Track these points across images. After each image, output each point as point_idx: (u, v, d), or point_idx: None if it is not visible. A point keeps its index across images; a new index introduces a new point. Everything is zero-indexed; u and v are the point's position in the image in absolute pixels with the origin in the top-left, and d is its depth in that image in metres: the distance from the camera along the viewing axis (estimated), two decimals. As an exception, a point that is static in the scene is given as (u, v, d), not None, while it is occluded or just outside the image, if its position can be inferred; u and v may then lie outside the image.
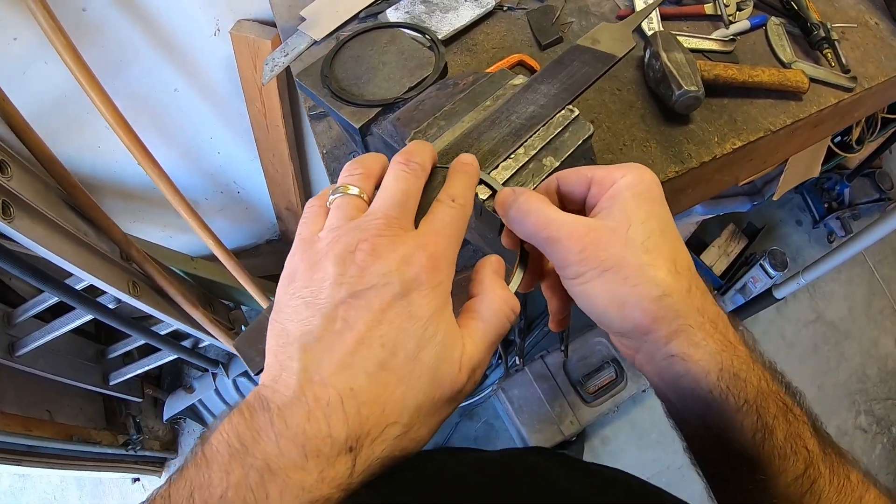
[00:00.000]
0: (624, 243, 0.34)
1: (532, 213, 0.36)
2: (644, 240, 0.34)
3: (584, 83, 0.49)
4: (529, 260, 0.39)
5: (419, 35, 0.60)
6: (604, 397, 1.64)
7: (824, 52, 0.94)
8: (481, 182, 0.40)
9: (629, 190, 0.35)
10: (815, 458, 0.34)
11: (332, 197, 0.34)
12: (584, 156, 0.46)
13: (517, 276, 0.38)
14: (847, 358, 2.08)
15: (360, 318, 0.29)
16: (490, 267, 0.35)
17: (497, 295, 0.34)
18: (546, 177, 0.43)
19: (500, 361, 1.76)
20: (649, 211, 0.35)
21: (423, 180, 0.35)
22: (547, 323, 1.93)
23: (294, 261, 0.32)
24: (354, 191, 0.33)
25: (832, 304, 2.16)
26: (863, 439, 1.95)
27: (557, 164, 0.44)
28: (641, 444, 1.86)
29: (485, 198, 0.40)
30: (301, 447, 0.27)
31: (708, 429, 0.34)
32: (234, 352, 0.63)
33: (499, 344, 0.34)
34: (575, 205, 0.39)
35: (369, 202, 0.33)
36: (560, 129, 0.45)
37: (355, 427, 0.27)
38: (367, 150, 0.57)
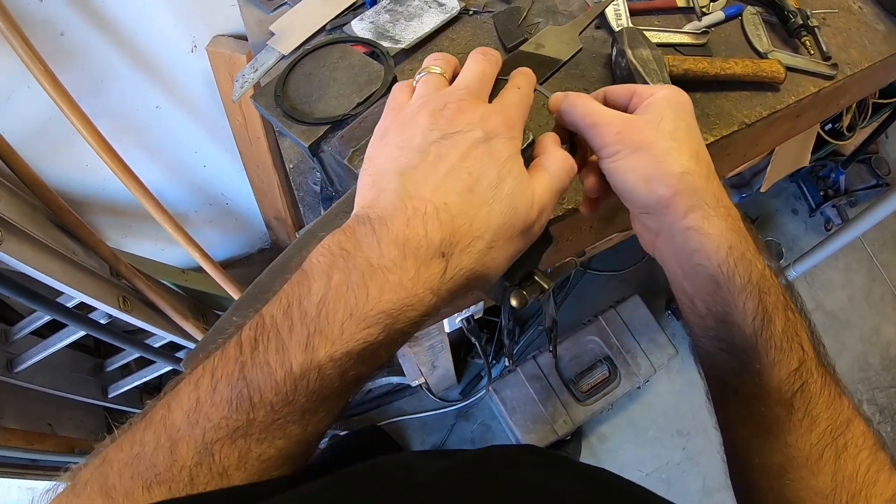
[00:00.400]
0: (655, 130, 0.39)
1: (579, 105, 0.42)
2: (672, 130, 0.39)
3: (525, 92, 0.50)
4: (577, 151, 0.46)
5: (372, 48, 0.61)
6: (597, 396, 1.64)
7: (803, 39, 0.93)
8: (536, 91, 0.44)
9: (665, 99, 0.41)
10: (808, 359, 0.37)
11: (418, 76, 0.39)
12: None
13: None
14: (848, 347, 2.06)
15: (450, 152, 0.33)
16: (552, 137, 0.41)
17: (559, 154, 0.39)
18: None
19: (492, 362, 1.77)
20: (679, 115, 0.41)
21: (497, 68, 0.41)
22: (537, 323, 1.93)
23: (385, 123, 0.37)
24: (437, 70, 0.39)
25: (831, 293, 2.14)
26: (864, 412, 1.93)
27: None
28: (639, 440, 1.86)
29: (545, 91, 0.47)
30: (401, 247, 0.30)
31: (714, 314, 0.39)
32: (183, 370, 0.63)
33: (560, 196, 0.39)
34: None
35: (450, 82, 0.39)
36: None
37: (448, 234, 0.31)
38: (322, 166, 0.58)
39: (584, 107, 0.42)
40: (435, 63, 0.40)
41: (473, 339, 1.34)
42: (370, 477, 0.35)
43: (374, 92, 0.55)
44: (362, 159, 0.44)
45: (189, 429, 0.28)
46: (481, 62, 0.39)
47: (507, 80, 0.42)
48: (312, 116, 0.54)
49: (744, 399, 0.39)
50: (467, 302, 1.00)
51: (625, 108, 0.44)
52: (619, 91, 0.45)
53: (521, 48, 0.55)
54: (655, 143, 0.39)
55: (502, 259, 0.34)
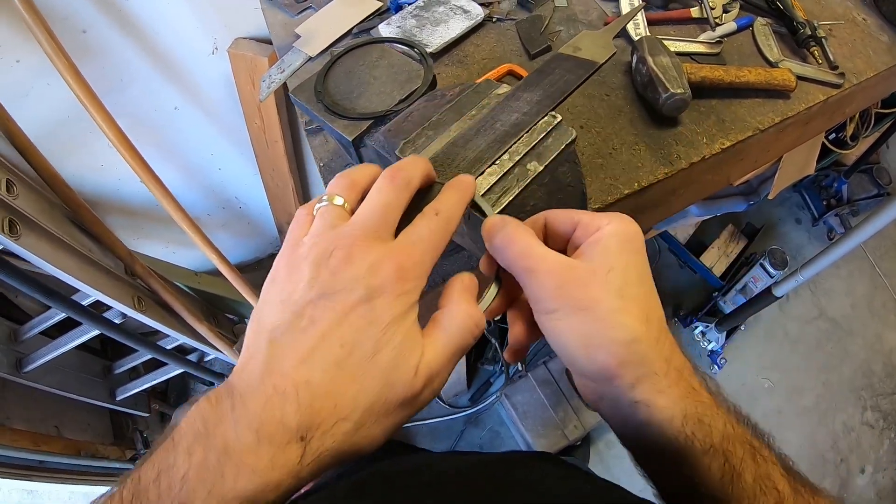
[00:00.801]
0: (601, 286, 0.34)
1: (516, 243, 0.37)
2: (621, 286, 0.35)
3: (565, 90, 0.51)
4: (503, 287, 0.40)
5: (409, 49, 0.62)
6: (607, 401, 1.64)
7: (811, 49, 0.95)
8: (475, 204, 0.41)
9: (614, 237, 0.36)
10: (784, 499, 0.34)
11: (317, 206, 0.35)
12: (567, 159, 0.48)
13: (489, 296, 0.39)
14: (851, 354, 2.08)
15: (324, 317, 0.30)
16: (461, 283, 0.37)
17: (462, 309, 0.35)
18: (530, 182, 0.44)
19: (502, 369, 1.77)
20: (629, 260, 0.36)
21: (408, 194, 0.36)
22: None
23: (279, 263, 0.34)
24: (339, 201, 0.35)
25: (834, 301, 2.16)
26: (870, 435, 1.95)
27: (541, 167, 0.45)
28: (646, 446, 1.85)
29: (482, 201, 0.42)
30: (255, 432, 0.28)
31: (675, 475, 0.35)
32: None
33: (461, 357, 0.35)
34: (559, 244, 0.40)
35: (352, 212, 0.35)
36: (543, 135, 0.47)
37: (307, 417, 0.29)
38: (360, 161, 0.59)
39: (520, 246, 0.36)
40: (338, 189, 0.36)
41: (493, 340, 1.34)
42: (395, 473, 0.35)
43: (415, 90, 0.56)
44: (414, 150, 0.46)
45: None
46: (385, 191, 0.35)
47: (442, 184, 0.38)
48: (355, 112, 0.55)
49: None
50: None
51: (567, 238, 0.39)
52: (560, 217, 0.39)
53: (560, 50, 0.57)
54: (601, 303, 0.34)
55: (379, 434, 0.31)
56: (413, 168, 0.37)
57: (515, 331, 0.42)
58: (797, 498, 0.35)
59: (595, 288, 0.34)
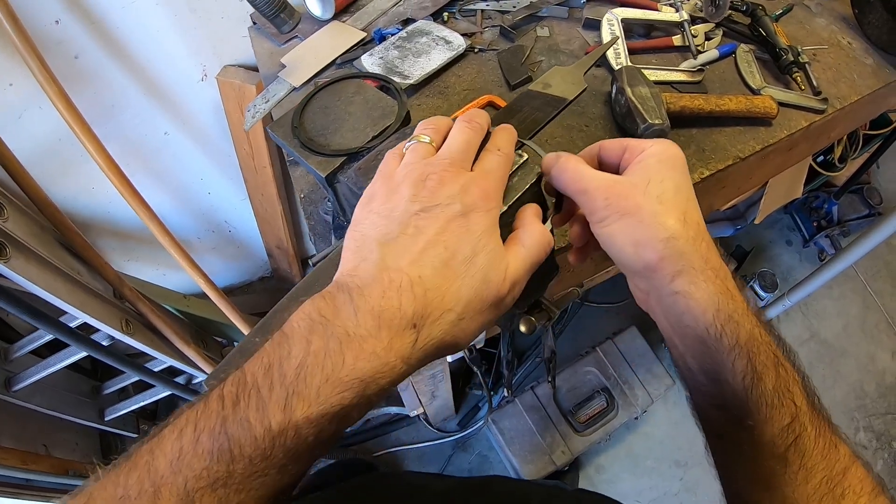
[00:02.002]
0: (642, 195, 0.40)
1: (569, 169, 0.43)
2: (659, 193, 0.40)
3: (533, 128, 0.52)
4: (564, 205, 0.48)
5: (385, 84, 0.63)
6: (595, 426, 1.64)
7: (794, 75, 0.97)
8: (523, 146, 0.46)
9: (654, 156, 0.42)
10: (801, 414, 0.37)
11: (407, 144, 0.41)
12: (533, 199, 0.48)
13: (552, 213, 0.47)
14: (844, 375, 2.07)
15: (429, 226, 0.35)
16: (532, 209, 0.42)
17: (536, 228, 0.40)
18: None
19: (491, 394, 1.76)
20: (668, 174, 0.41)
21: (482, 134, 0.42)
22: (536, 354, 1.93)
23: (374, 188, 0.39)
24: (426, 139, 0.41)
25: (826, 322, 2.16)
26: (864, 455, 1.93)
27: (505, 207, 0.46)
28: (637, 471, 1.84)
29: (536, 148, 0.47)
30: (377, 318, 0.32)
31: (705, 372, 0.39)
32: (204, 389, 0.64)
33: (535, 269, 0.40)
34: (611, 168, 0.45)
35: (437, 149, 0.40)
36: (509, 174, 0.48)
37: (421, 306, 0.33)
38: (336, 196, 0.60)
39: (573, 171, 0.43)
40: (424, 131, 0.42)
41: (475, 368, 1.34)
42: (376, 487, 0.36)
43: (388, 126, 0.57)
44: None
45: (172, 476, 0.29)
46: (465, 131, 0.41)
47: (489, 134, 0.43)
48: (329, 148, 0.56)
49: (739, 453, 0.39)
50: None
51: (618, 164, 0.45)
52: (611, 146, 0.45)
53: (529, 87, 0.58)
54: (643, 208, 0.39)
55: (472, 329, 0.36)
56: (482, 116, 0.43)
57: (575, 231, 0.48)
58: (812, 417, 0.38)
59: (637, 196, 0.40)
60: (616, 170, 0.45)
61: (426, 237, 0.34)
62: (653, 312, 0.44)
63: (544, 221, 0.44)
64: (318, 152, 0.56)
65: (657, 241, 0.39)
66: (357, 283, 0.33)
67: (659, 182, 0.40)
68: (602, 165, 0.46)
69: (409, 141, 0.41)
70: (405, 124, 0.59)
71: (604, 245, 0.43)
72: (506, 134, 0.44)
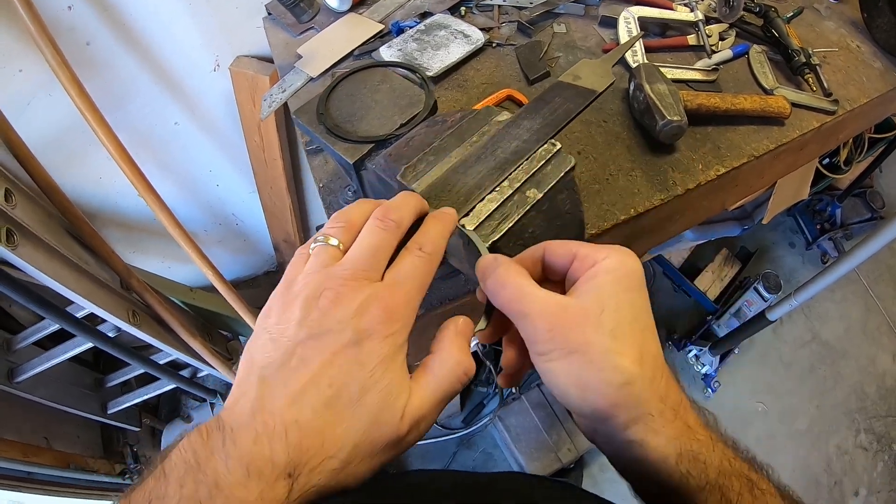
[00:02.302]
0: (594, 327, 0.34)
1: (508, 286, 0.37)
2: (613, 327, 0.34)
3: (565, 118, 0.52)
4: (497, 317, 0.41)
5: (410, 73, 0.63)
6: (601, 424, 1.63)
7: (806, 76, 0.97)
8: (470, 241, 0.42)
9: (609, 274, 0.36)
10: None
11: (313, 245, 0.36)
12: (566, 187, 0.48)
13: (479, 326, 0.40)
14: (845, 377, 2.08)
15: (314, 358, 0.31)
16: (454, 328, 0.37)
17: (452, 356, 0.36)
18: (529, 209, 0.45)
19: (496, 391, 1.76)
20: (624, 298, 0.36)
21: (398, 234, 0.37)
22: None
23: (273, 298, 0.35)
24: (334, 241, 0.36)
25: (828, 324, 2.17)
26: (864, 457, 1.94)
27: (541, 195, 0.46)
28: (640, 469, 1.84)
29: (472, 228, 0.42)
30: (245, 467, 0.29)
31: None
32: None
33: (449, 402, 0.36)
34: (557, 276, 0.40)
35: (345, 252, 0.36)
36: (543, 163, 0.48)
37: (295, 455, 0.30)
38: (361, 184, 0.59)
39: (513, 289, 0.37)
40: (333, 231, 0.36)
41: (488, 363, 1.34)
42: (376, 489, 0.35)
43: (416, 114, 0.57)
44: (415, 175, 0.46)
45: None
46: (375, 232, 0.36)
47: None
48: (356, 135, 0.56)
49: None
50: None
51: (564, 271, 0.39)
52: (558, 250, 0.39)
53: (560, 78, 0.58)
54: (593, 346, 0.34)
55: (363, 473, 0.32)
56: (405, 208, 0.38)
57: (508, 356, 0.42)
58: None
59: (588, 329, 0.34)
60: (561, 279, 0.40)
61: (309, 371, 0.31)
62: (602, 450, 0.39)
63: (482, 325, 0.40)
64: (345, 138, 0.56)
65: (609, 386, 0.34)
66: (232, 423, 0.31)
67: (614, 310, 0.35)
68: (546, 271, 0.41)
69: (315, 241, 0.36)
70: (433, 113, 0.59)
71: (545, 381, 0.37)
72: (437, 226, 0.39)
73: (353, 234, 0.37)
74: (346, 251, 0.36)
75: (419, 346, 0.37)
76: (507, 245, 0.44)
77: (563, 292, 0.38)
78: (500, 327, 0.42)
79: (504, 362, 0.43)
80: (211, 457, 0.30)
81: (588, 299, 0.35)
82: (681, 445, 0.34)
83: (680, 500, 0.34)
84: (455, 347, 0.36)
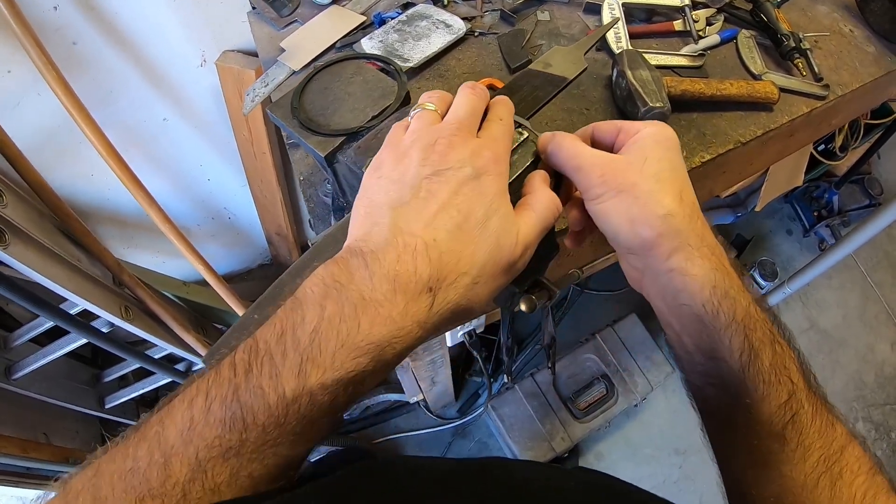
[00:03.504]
0: (638, 172, 0.39)
1: (565, 147, 0.42)
2: (656, 171, 0.39)
3: (534, 106, 0.52)
4: (561, 190, 0.46)
5: (384, 65, 0.63)
6: (595, 413, 1.65)
7: (795, 61, 0.96)
8: (520, 126, 0.46)
9: (650, 136, 0.41)
10: (798, 391, 0.37)
11: (413, 112, 0.41)
12: (534, 176, 0.48)
13: None
14: (843, 365, 2.08)
15: (441, 189, 0.35)
16: (541, 176, 0.42)
17: (546, 193, 0.40)
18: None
19: (490, 381, 1.77)
20: (663, 154, 0.41)
21: (486, 101, 0.42)
22: (536, 341, 1.94)
23: (381, 155, 0.39)
24: (431, 106, 0.41)
25: (825, 312, 2.17)
26: (860, 435, 1.94)
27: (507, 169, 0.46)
28: (636, 458, 1.86)
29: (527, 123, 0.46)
30: (392, 282, 0.31)
31: (702, 350, 0.39)
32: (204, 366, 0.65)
33: (545, 234, 0.40)
34: (605, 150, 0.44)
35: (442, 117, 0.40)
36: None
37: (436, 270, 0.32)
38: (335, 177, 0.60)
39: (569, 149, 0.42)
40: (429, 100, 0.42)
41: (475, 353, 1.34)
42: (372, 473, 0.36)
43: (388, 106, 0.57)
44: None
45: (183, 446, 0.29)
46: (470, 97, 0.41)
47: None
48: (329, 128, 0.56)
49: (736, 432, 0.39)
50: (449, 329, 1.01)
51: (612, 145, 0.44)
52: (605, 127, 0.45)
53: (530, 66, 0.58)
54: (639, 185, 0.39)
55: (486, 294, 0.36)
56: (483, 86, 0.44)
57: (573, 215, 0.47)
58: (809, 395, 0.38)
59: (633, 174, 0.39)
60: (610, 151, 0.44)
61: (439, 200, 0.34)
62: (647, 292, 0.44)
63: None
64: (317, 132, 0.56)
65: (654, 217, 0.38)
66: (371, 247, 0.33)
67: (655, 161, 0.40)
68: (596, 146, 0.45)
69: (414, 109, 0.41)
70: (405, 104, 0.59)
71: (599, 223, 0.42)
72: (504, 106, 0.44)
73: (446, 104, 0.42)
74: (442, 116, 0.40)
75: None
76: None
77: None
78: (563, 196, 0.46)
79: (569, 221, 0.48)
80: (353, 278, 0.32)
81: (633, 154, 0.41)
82: (715, 279, 0.38)
83: (709, 338, 0.38)
84: (546, 188, 0.41)
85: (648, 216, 0.38)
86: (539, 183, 0.41)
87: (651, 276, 0.41)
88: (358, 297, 0.31)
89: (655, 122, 0.43)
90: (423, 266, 0.32)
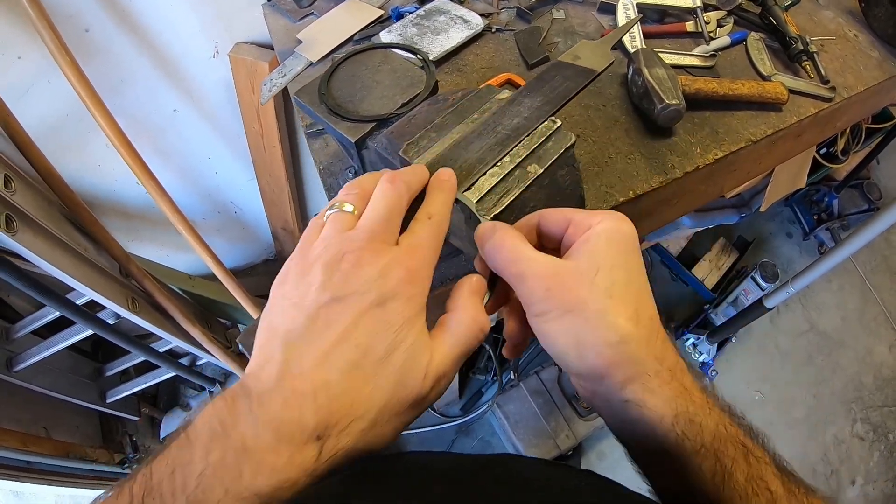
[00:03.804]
0: (588, 287, 0.35)
1: (506, 248, 0.38)
2: (608, 286, 0.35)
3: (565, 96, 0.52)
4: (498, 287, 0.41)
5: (411, 55, 0.63)
6: (599, 411, 1.65)
7: (803, 64, 0.98)
8: (471, 216, 0.43)
9: (603, 236, 0.36)
10: (778, 499, 0.34)
11: (328, 213, 0.36)
12: (566, 163, 0.49)
13: (485, 298, 0.40)
14: (842, 367, 2.10)
15: (339, 319, 0.31)
16: (469, 286, 0.38)
17: (469, 314, 0.36)
18: (530, 184, 0.45)
19: (494, 378, 1.77)
20: (619, 260, 0.36)
21: (407, 198, 0.37)
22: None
23: (289, 265, 0.35)
24: (348, 208, 0.36)
25: (825, 314, 2.19)
26: (860, 447, 1.96)
27: (541, 170, 0.46)
28: (638, 457, 1.86)
29: (474, 201, 0.43)
30: (275, 431, 0.29)
31: (668, 472, 0.35)
32: (242, 349, 0.65)
33: (465, 359, 0.36)
34: (553, 243, 0.40)
35: (360, 219, 0.36)
36: (543, 139, 0.48)
37: (324, 417, 0.30)
38: (362, 163, 0.60)
39: (510, 251, 0.37)
40: (347, 197, 0.37)
41: (487, 346, 1.34)
42: (377, 470, 0.35)
43: (418, 94, 0.57)
44: (417, 151, 0.47)
45: None
46: (387, 194, 0.36)
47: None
48: (358, 114, 0.56)
49: None
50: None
51: (559, 237, 0.40)
52: (554, 217, 0.40)
53: (560, 58, 0.58)
54: (588, 304, 0.34)
55: (389, 434, 0.33)
56: (411, 174, 0.39)
57: (510, 326, 0.43)
58: (790, 498, 0.35)
59: (583, 289, 0.35)
60: (557, 246, 0.40)
61: (335, 333, 0.31)
62: (600, 413, 0.39)
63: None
64: (346, 118, 0.56)
65: (605, 345, 0.34)
66: (259, 388, 0.31)
67: (608, 270, 0.35)
68: (542, 239, 0.41)
69: (331, 209, 0.36)
70: (433, 93, 0.59)
71: (543, 343, 0.37)
72: (439, 196, 0.39)
73: (367, 200, 0.37)
74: (360, 217, 0.36)
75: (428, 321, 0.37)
76: (509, 220, 0.44)
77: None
78: (501, 298, 0.43)
79: (506, 333, 0.43)
80: (237, 422, 0.30)
81: (583, 261, 0.36)
82: (677, 407, 0.34)
83: (675, 465, 0.34)
84: (470, 305, 0.37)
85: (598, 343, 0.34)
86: (464, 298, 0.37)
87: (602, 400, 0.37)
88: (240, 444, 0.29)
89: (610, 214, 0.38)
90: (310, 413, 0.29)
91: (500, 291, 0.42)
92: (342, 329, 0.31)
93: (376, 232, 0.34)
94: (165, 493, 0.29)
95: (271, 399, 0.30)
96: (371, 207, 0.36)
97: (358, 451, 0.31)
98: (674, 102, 0.81)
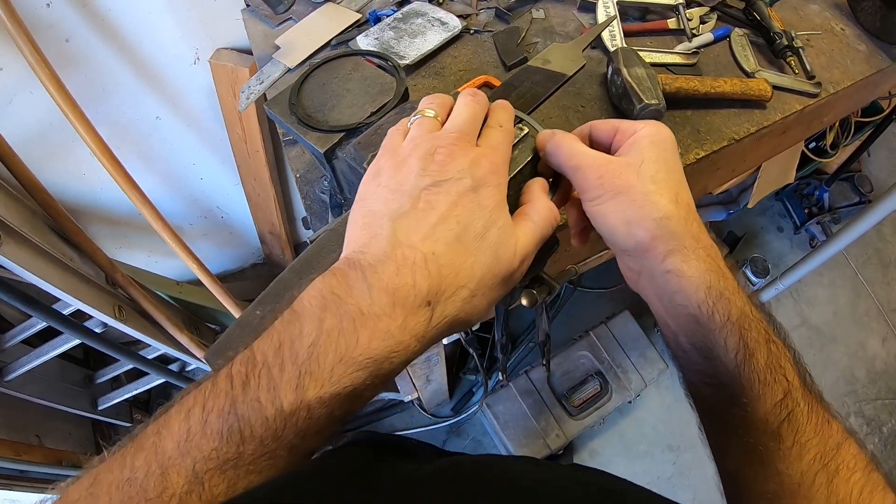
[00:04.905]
0: (635, 174, 0.40)
1: (563, 146, 0.42)
2: (653, 174, 0.40)
3: (533, 102, 0.52)
4: (560, 189, 0.47)
5: (382, 61, 0.63)
6: (589, 410, 1.66)
7: (788, 59, 0.97)
8: (522, 121, 0.46)
9: (647, 137, 0.41)
10: (793, 389, 0.37)
11: (412, 118, 0.41)
12: (533, 172, 0.48)
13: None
14: (835, 361, 2.10)
15: (440, 200, 0.35)
16: (539, 184, 0.43)
17: (544, 203, 0.41)
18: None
19: (484, 379, 1.77)
20: (660, 156, 0.41)
21: (486, 108, 0.42)
22: (530, 339, 1.94)
23: (379, 163, 0.39)
24: (431, 113, 0.41)
25: (817, 309, 2.18)
26: (856, 432, 1.96)
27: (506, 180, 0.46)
28: (629, 455, 1.87)
29: (532, 121, 0.47)
30: (391, 296, 0.31)
31: (698, 350, 0.39)
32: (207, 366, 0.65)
33: (541, 244, 0.40)
34: (602, 149, 0.44)
35: (442, 124, 0.40)
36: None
37: (435, 283, 0.32)
38: (334, 173, 0.59)
39: (567, 148, 0.42)
40: (429, 106, 0.42)
41: (471, 350, 1.34)
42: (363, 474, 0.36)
43: (386, 102, 0.57)
44: None
45: (180, 458, 0.29)
46: (470, 104, 0.41)
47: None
48: (327, 124, 0.56)
49: (733, 430, 0.39)
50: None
51: (609, 144, 0.45)
52: (603, 126, 0.45)
53: (529, 63, 0.58)
54: (635, 187, 0.39)
55: (484, 306, 0.36)
56: (483, 94, 0.44)
57: (572, 217, 0.48)
58: (805, 394, 0.38)
59: (631, 175, 0.40)
60: (607, 151, 0.44)
61: (438, 212, 0.34)
62: (644, 292, 0.44)
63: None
64: (315, 128, 0.56)
65: (649, 220, 0.39)
66: (369, 259, 0.33)
67: (652, 162, 0.40)
68: (593, 146, 0.46)
69: (414, 115, 0.41)
70: (403, 101, 0.59)
71: (596, 224, 0.42)
72: (504, 111, 0.44)
73: (446, 110, 0.42)
74: (442, 123, 0.40)
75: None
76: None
77: None
78: (561, 197, 0.48)
79: (570, 222, 0.49)
80: (352, 290, 0.31)
81: (630, 155, 0.41)
82: (710, 280, 0.38)
83: (705, 341, 0.38)
84: (544, 197, 0.42)
85: (644, 219, 0.39)
86: (538, 192, 0.42)
87: (647, 276, 0.42)
88: (356, 310, 0.31)
89: (652, 121, 0.43)
90: (422, 279, 0.32)
91: (560, 192, 0.48)
92: (444, 209, 0.34)
93: (463, 132, 0.38)
94: (273, 367, 0.30)
95: (385, 267, 0.32)
96: (457, 112, 0.40)
97: (459, 319, 0.34)
98: (653, 102, 0.81)
